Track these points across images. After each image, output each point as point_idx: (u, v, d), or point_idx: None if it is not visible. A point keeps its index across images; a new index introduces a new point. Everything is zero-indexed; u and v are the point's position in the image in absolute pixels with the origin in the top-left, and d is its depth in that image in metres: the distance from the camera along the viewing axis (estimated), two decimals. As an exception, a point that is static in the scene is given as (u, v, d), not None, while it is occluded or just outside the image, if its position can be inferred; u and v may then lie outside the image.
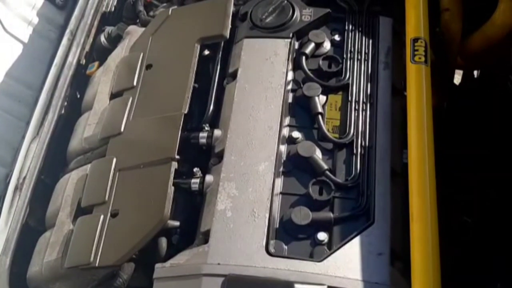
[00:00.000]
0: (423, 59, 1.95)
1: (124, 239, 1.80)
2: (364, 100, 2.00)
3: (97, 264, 1.78)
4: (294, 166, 1.89)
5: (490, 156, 2.43)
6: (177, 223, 1.84)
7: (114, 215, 1.87)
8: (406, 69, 1.96)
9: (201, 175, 1.89)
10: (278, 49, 2.06)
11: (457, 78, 2.81)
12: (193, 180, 1.88)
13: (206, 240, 1.74)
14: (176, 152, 1.90)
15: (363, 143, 1.92)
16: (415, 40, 1.98)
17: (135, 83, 2.16)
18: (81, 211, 1.95)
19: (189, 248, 1.76)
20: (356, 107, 1.98)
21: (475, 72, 2.81)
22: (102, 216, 1.87)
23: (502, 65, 2.37)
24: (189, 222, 1.86)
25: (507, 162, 2.35)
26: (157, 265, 1.73)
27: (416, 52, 1.96)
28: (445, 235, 1.76)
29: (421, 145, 1.85)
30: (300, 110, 2.00)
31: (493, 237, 2.19)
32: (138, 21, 2.51)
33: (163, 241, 1.81)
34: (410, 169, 1.81)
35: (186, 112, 1.99)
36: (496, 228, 2.22)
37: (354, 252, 1.70)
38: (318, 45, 2.09)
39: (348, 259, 1.68)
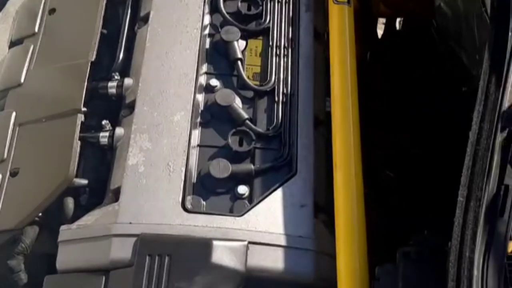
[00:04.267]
0: (345, -1, 1.86)
1: (25, 200, 1.66)
2: (286, 45, 1.89)
3: (-5, 228, 1.61)
4: (212, 116, 1.77)
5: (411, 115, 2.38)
6: (85, 181, 1.69)
7: (14, 174, 1.71)
8: (328, 10, 1.86)
9: (110, 128, 1.75)
10: (194, -10, 1.91)
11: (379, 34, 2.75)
12: (101, 134, 1.73)
13: (116, 198, 1.60)
14: (82, 103, 1.75)
15: (285, 91, 1.81)
16: (337, -20, 1.88)
17: (36, 30, 1.99)
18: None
19: (98, 208, 1.62)
20: (277, 52, 1.87)
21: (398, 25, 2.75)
22: (0, 176, 1.70)
23: (424, 9, 2.30)
24: (99, 180, 1.72)
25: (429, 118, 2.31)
26: (62, 227, 1.59)
27: (338, -7, 1.86)
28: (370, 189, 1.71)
29: (344, 92, 1.78)
30: (218, 56, 1.87)
31: (417, 189, 2.16)
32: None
33: (70, 201, 1.66)
34: (333, 117, 1.73)
35: (93, 59, 1.83)
36: (420, 181, 2.19)
37: (276, 205, 1.61)
38: (237, -15, 1.95)
39: (270, 212, 1.60)
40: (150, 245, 1.49)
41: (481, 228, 1.30)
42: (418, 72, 2.37)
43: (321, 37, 1.95)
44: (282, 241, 1.54)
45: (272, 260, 1.52)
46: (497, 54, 1.49)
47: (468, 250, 1.28)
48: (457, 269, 1.26)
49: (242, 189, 1.64)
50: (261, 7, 1.93)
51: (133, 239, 1.50)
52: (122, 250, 1.50)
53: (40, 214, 1.64)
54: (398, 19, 2.76)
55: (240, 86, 1.82)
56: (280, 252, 1.53)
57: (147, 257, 1.47)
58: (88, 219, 1.58)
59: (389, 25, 2.74)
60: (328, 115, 1.78)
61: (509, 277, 1.24)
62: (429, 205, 1.93)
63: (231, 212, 1.61)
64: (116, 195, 1.61)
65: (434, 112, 2.25)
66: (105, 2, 1.94)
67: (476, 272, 1.25)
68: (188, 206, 1.59)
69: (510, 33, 1.49)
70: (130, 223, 1.54)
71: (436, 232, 1.38)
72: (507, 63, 1.47)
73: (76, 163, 1.68)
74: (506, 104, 1.42)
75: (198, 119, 1.75)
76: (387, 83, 2.39)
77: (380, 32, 2.77)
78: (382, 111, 2.32)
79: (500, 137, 1.39)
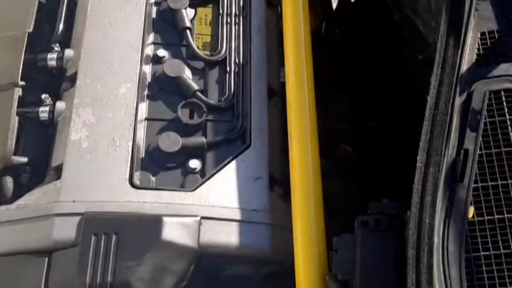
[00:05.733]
0: (298, -36, 1.78)
1: (-41, 181, 1.54)
2: (237, 13, 1.81)
3: None
4: (161, 88, 1.68)
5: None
6: (24, 159, 1.59)
7: None
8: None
9: (51, 102, 1.65)
10: (137, -45, 1.81)
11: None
12: (41, 108, 1.63)
13: (58, 176, 1.51)
14: (20, 77, 1.64)
15: (237, 61, 1.74)
16: None
17: (-31, 0, 1.84)
18: None
19: (39, 187, 1.52)
20: (228, 21, 1.79)
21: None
22: None
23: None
24: (40, 157, 1.62)
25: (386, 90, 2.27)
26: (0, 208, 1.48)
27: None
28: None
29: (299, 62, 1.71)
30: (165, 26, 1.78)
31: (376, 161, 2.12)
32: None
33: (8, 181, 1.56)
34: (288, 88, 1.66)
35: (30, 30, 1.72)
36: (378, 154, 2.15)
37: (230, 178, 1.54)
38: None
39: (224, 186, 1.53)
40: (95, 224, 1.40)
41: (440, 194, 1.25)
42: (374, 42, 2.32)
43: (273, 5, 1.88)
44: (236, 215, 1.47)
45: (226, 235, 1.45)
46: (455, 15, 1.45)
47: (428, 216, 1.23)
48: (417, 237, 1.21)
49: (194, 163, 1.56)
50: (210, -26, 1.85)
51: (77, 218, 1.41)
52: (65, 230, 1.41)
53: (-24, 195, 1.54)
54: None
55: (190, 56, 1.74)
56: (234, 227, 1.46)
57: (93, 236, 1.39)
58: (28, 199, 1.48)
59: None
60: (283, 86, 1.71)
61: (470, 243, 1.20)
62: (388, 175, 1.89)
63: (182, 187, 1.53)
64: (58, 172, 1.52)
65: (391, 83, 2.21)
66: (43, -30, 1.83)
67: (436, 239, 1.21)
68: (136, 182, 1.51)
69: (466, -6, 1.44)
70: (74, 201, 1.44)
71: (395, 200, 1.33)
72: (464, 25, 1.43)
73: (15, 140, 1.58)
74: (464, 66, 1.38)
75: (145, 92, 1.66)
76: (342, 54, 2.33)
77: (334, 4, 2.71)
78: (338, 83, 2.26)
79: (459, 100, 1.35)
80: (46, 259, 1.39)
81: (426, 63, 1.78)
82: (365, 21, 2.46)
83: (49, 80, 1.71)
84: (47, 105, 1.63)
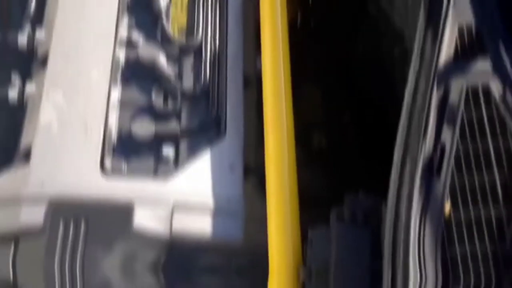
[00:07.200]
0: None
1: None
2: (214, -1, 1.77)
3: None
4: (134, 73, 1.64)
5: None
6: (-9, 142, 1.53)
7: None
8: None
9: (20, 83, 1.59)
10: None
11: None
12: (10, 90, 1.58)
13: (27, 160, 1.47)
14: (-12, 56, 1.58)
15: (212, 47, 1.71)
16: None
17: None
18: None
19: (7, 170, 1.47)
20: (205, 6, 1.75)
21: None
22: None
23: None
24: (9, 140, 1.56)
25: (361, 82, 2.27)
26: (-36, 194, 1.43)
27: None
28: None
29: (276, 51, 1.69)
30: (140, 9, 1.74)
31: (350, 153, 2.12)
32: None
33: (-26, 164, 1.50)
34: (264, 77, 1.64)
35: (-1, 8, 1.65)
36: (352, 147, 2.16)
37: (204, 166, 1.51)
38: None
39: (198, 174, 1.50)
40: (64, 209, 1.37)
41: (417, 190, 1.25)
42: (350, 35, 2.32)
43: (251, -8, 1.85)
44: (209, 204, 1.45)
45: (199, 225, 1.43)
46: (433, 9, 1.44)
47: (404, 212, 1.23)
48: (393, 232, 1.21)
49: (167, 150, 1.53)
50: (187, -43, 1.81)
51: (45, 203, 1.37)
52: (32, 215, 1.37)
53: None
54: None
55: (165, 42, 1.70)
56: (207, 216, 1.44)
57: (61, 222, 1.35)
58: (-6, 183, 1.44)
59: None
60: (259, 75, 1.69)
61: (446, 239, 1.20)
62: (363, 168, 1.89)
63: (155, 174, 1.51)
64: (26, 156, 1.48)
65: (366, 76, 2.21)
66: None
67: (412, 235, 1.20)
68: (108, 168, 1.48)
69: (445, -13, 1.44)
70: (42, 186, 1.40)
71: (371, 193, 1.33)
72: (442, 19, 1.42)
73: (-19, 122, 1.52)
74: (442, 61, 1.37)
75: (118, 76, 1.62)
76: (317, 46, 2.32)
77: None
78: (312, 74, 2.25)
79: (436, 95, 1.34)
80: (13, 244, 1.36)
81: (402, 57, 1.78)
82: (341, 13, 2.46)
83: (19, 60, 1.66)
84: (16, 86, 1.58)
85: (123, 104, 1.60)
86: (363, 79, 2.17)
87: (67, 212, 1.37)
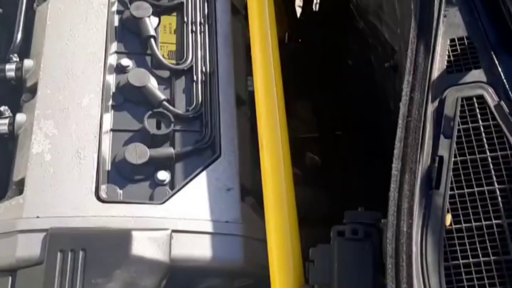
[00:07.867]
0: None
1: None
2: (202, 21, 1.77)
3: None
4: (126, 98, 1.63)
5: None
6: (-17, 174, 1.51)
7: None
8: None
9: (10, 114, 1.58)
10: (98, -38, 1.75)
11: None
12: (0, 121, 1.56)
13: (20, 191, 1.44)
14: (-24, 88, 1.56)
15: (203, 69, 1.70)
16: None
17: None
18: None
19: (0, 202, 1.45)
20: (193, 29, 1.75)
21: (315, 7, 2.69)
22: None
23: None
24: (1, 172, 1.54)
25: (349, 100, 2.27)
26: (-41, 226, 1.40)
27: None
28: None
29: (267, 70, 1.68)
30: (129, 34, 1.73)
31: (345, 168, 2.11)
32: None
33: (-34, 197, 1.47)
34: (257, 96, 1.63)
35: (-14, 40, 1.64)
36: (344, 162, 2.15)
37: (200, 190, 1.50)
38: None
39: (194, 198, 1.48)
40: (61, 240, 1.34)
41: (417, 202, 1.24)
42: (340, 50, 2.32)
43: (239, 12, 1.85)
44: (208, 227, 1.43)
45: (198, 248, 1.41)
46: (423, 22, 1.44)
47: (405, 225, 1.21)
48: (395, 245, 1.20)
49: (162, 175, 1.52)
50: (173, -19, 1.81)
51: (42, 235, 1.35)
52: (29, 247, 1.34)
53: None
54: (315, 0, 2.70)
55: (155, 66, 1.69)
56: (206, 239, 1.42)
57: (59, 253, 1.32)
58: (-12, 216, 1.41)
59: (307, 4, 2.68)
60: (251, 95, 1.68)
61: (449, 251, 1.19)
62: (357, 183, 1.88)
63: (151, 200, 1.49)
64: (20, 187, 1.45)
65: (357, 91, 2.21)
66: (-1, -23, 1.76)
67: (414, 248, 1.19)
68: (103, 195, 1.45)
69: (435, 1, 1.44)
70: (37, 217, 1.38)
71: (370, 209, 1.31)
72: (434, 32, 1.43)
73: (-28, 154, 1.50)
74: (435, 73, 1.37)
75: (110, 102, 1.60)
76: (306, 62, 2.32)
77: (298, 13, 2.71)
78: (303, 91, 2.25)
79: (431, 107, 1.34)
80: (10, 278, 1.33)
81: (392, 71, 1.78)
82: (329, 30, 2.46)
83: (8, 92, 1.64)
84: (6, 117, 1.57)
85: (115, 130, 1.58)
86: (353, 93, 2.17)
87: (64, 243, 1.34)
